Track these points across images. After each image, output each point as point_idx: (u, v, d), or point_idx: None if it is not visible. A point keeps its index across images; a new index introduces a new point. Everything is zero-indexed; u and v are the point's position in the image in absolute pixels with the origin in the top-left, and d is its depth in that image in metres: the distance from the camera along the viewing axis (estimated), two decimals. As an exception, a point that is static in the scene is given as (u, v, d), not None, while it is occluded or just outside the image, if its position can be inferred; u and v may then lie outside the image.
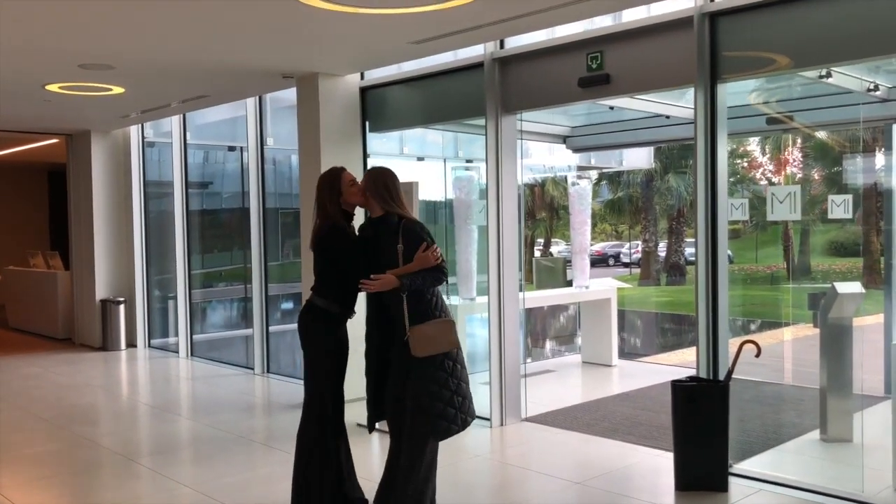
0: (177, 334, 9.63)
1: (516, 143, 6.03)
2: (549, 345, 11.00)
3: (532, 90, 5.76)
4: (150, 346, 10.15)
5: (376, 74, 6.86)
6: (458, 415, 3.97)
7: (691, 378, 4.66)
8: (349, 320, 4.08)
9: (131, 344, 10.07)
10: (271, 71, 6.50)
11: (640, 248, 26.16)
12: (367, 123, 6.94)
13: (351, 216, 4.09)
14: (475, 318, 7.17)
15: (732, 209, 8.30)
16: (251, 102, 8.26)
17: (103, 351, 9.86)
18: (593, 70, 5.31)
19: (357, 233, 4.20)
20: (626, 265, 28.42)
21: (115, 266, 10.23)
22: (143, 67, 6.25)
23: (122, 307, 9.97)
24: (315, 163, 6.60)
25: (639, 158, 13.99)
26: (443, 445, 5.07)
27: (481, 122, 5.98)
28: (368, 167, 4.26)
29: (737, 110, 7.45)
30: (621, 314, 13.99)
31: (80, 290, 10.49)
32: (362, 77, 6.89)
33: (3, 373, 8.52)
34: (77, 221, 10.52)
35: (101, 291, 10.10)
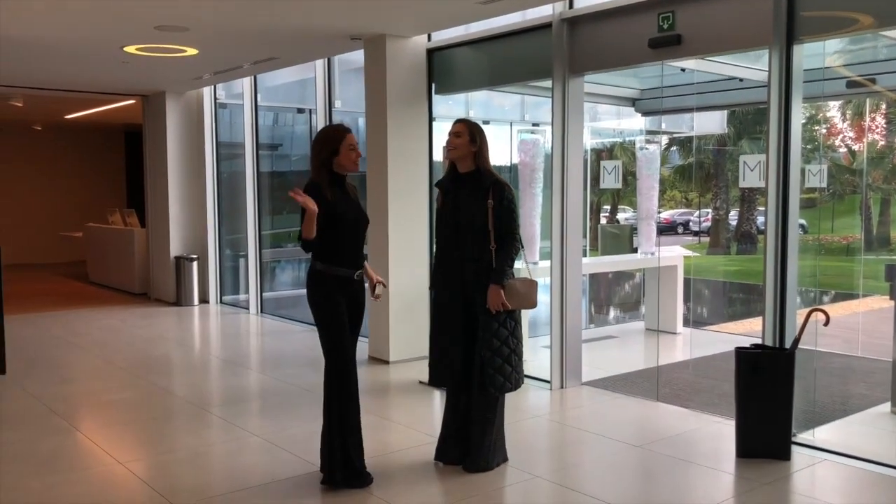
0: (247, 291, 9.91)
1: (583, 105, 5.96)
2: (612, 311, 10.94)
3: (600, 51, 5.68)
4: (221, 302, 10.48)
5: (443, 36, 6.85)
6: (513, 373, 4.13)
7: (756, 346, 4.60)
8: (357, 278, 3.98)
9: (204, 300, 10.41)
10: (340, 33, 6.55)
11: (710, 216, 25.60)
12: (434, 85, 6.95)
13: (341, 178, 3.98)
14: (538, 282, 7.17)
15: (810, 176, 8.08)
16: (320, 64, 8.35)
17: (177, 306, 10.23)
18: (664, 30, 5.20)
19: (437, 187, 4.29)
20: (695, 233, 27.86)
21: (189, 224, 10.55)
22: (216, 29, 6.38)
23: (195, 264, 10.30)
24: (381, 125, 6.66)
25: (711, 123, 13.66)
26: (505, 404, 5.18)
27: (548, 84, 5.92)
28: (463, 119, 4.25)
29: (815, 73, 7.20)
30: (689, 282, 13.76)
31: (155, 247, 10.87)
32: (429, 39, 6.90)
33: (84, 324, 8.94)
34: (152, 180, 10.87)
35: (175, 249, 10.45)
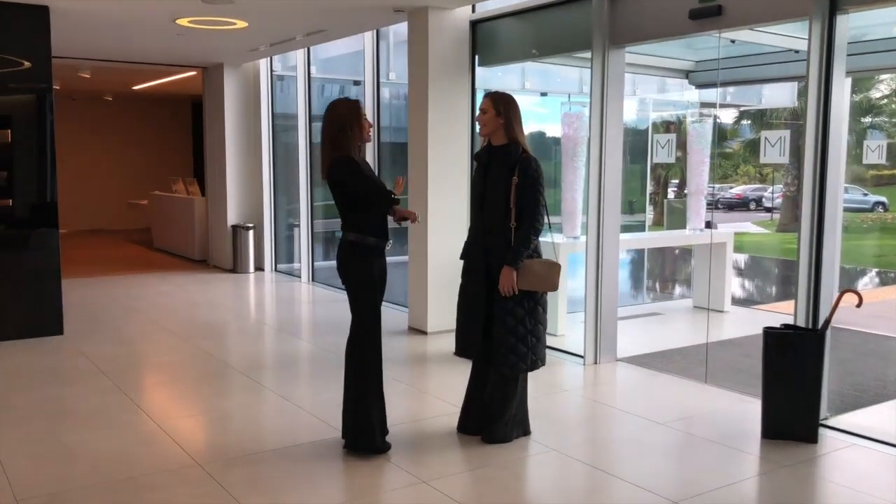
0: (300, 260, 10.12)
1: (623, 77, 5.85)
2: (663, 288, 10.78)
3: (641, 22, 5.56)
4: (276, 270, 10.74)
5: (487, 7, 6.80)
6: (528, 354, 4.11)
7: (786, 326, 4.49)
8: (388, 248, 4.07)
9: (259, 268, 10.69)
10: (383, 4, 6.57)
11: (782, 193, 24.79)
12: (477, 57, 6.92)
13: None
14: (578, 256, 7.12)
15: (868, 152, 7.77)
16: (369, 37, 8.39)
17: (234, 273, 10.53)
18: (705, 1, 5.06)
19: (475, 159, 4.32)
20: (767, 210, 27.05)
21: (246, 194, 10.81)
22: (261, 2, 6.48)
23: (251, 233, 10.57)
24: (423, 96, 6.68)
25: (780, 96, 13.21)
26: (536, 378, 5.22)
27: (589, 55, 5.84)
28: (489, 93, 4.21)
29: (880, 43, 6.89)
30: (748, 261, 13.31)
31: (214, 216, 11.19)
32: (473, 10, 6.86)
33: (144, 289, 9.30)
34: (211, 151, 11.16)
35: (232, 217, 10.73)
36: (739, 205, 25.68)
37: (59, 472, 3.87)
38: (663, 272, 11.29)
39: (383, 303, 4.16)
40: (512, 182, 4.06)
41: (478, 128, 4.33)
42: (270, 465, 3.95)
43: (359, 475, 3.85)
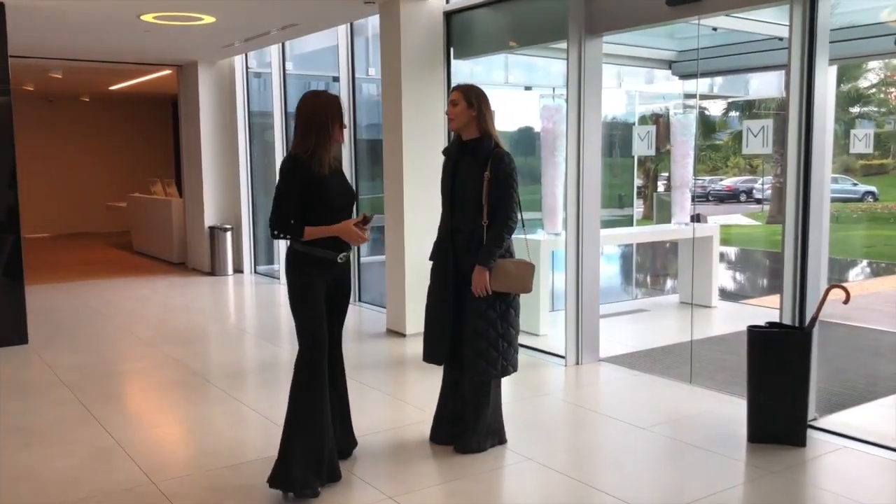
0: (280, 262, 9.89)
1: (601, 67, 5.65)
2: (648, 283, 10.59)
3: (617, 10, 5.35)
4: (256, 272, 10.51)
5: (462, -3, 6.60)
6: (499, 359, 3.91)
7: (772, 324, 4.30)
8: (341, 261, 3.63)
9: (238, 270, 10.45)
10: (352, -4, 6.36)
11: (772, 184, 24.69)
12: (452, 50, 6.70)
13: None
14: (560, 252, 6.91)
15: (856, 141, 7.58)
16: (342, 31, 8.16)
17: (212, 276, 10.29)
18: (683, -14, 4.85)
19: (444, 155, 4.13)
20: (758, 201, 26.98)
21: (223, 194, 10.56)
22: (225, -5, 6.26)
23: (228, 234, 10.32)
24: (396, 91, 6.46)
25: (768, 86, 13.04)
26: (515, 381, 5.03)
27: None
28: (459, 85, 4.02)
29: (866, 29, 6.71)
30: (744, 253, 13.08)
31: (191, 217, 10.94)
32: (447, 0, 6.64)
33: (118, 294, 9.05)
34: (188, 151, 10.91)
35: (209, 219, 10.49)
36: (730, 197, 25.58)
37: (1, 494, 3.64)
38: (653, 267, 11.10)
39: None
40: (484, 177, 3.87)
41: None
42: (230, 481, 3.74)
43: (321, 492, 3.62)
